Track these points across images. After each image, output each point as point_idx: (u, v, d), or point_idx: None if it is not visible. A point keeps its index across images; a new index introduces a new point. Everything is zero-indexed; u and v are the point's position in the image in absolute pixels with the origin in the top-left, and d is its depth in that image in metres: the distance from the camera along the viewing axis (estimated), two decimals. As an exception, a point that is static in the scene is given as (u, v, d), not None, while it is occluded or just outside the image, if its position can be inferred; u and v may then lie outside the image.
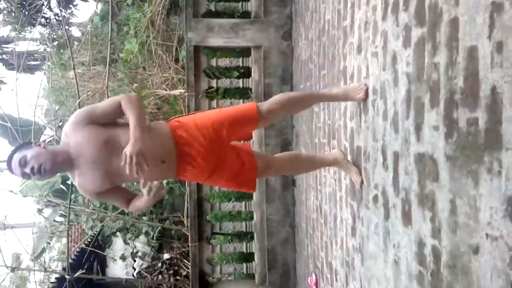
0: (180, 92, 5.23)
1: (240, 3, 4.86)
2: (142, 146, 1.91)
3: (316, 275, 3.74)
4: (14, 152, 2.03)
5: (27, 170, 1.98)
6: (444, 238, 1.48)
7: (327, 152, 3.15)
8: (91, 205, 6.35)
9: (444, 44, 1.47)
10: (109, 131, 2.04)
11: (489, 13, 1.22)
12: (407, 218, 1.79)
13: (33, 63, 11.44)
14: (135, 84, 5.66)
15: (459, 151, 1.38)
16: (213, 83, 4.78)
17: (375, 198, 2.18)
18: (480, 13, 1.26)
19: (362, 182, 2.40)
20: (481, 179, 1.26)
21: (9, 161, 2.04)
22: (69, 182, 5.15)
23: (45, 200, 5.68)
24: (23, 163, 1.98)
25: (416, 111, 1.70)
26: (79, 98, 4.71)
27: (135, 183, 4.57)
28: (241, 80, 4.84)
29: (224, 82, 4.81)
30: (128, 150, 1.89)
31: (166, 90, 5.66)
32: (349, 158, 2.65)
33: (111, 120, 2.09)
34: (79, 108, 4.79)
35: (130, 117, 1.98)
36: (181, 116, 2.37)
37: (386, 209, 2.03)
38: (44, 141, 2.14)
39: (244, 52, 4.87)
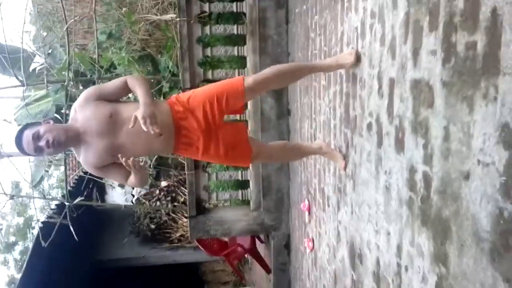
0: (172, 17, 5.03)
1: None
2: (152, 110, 2.06)
3: (309, 201, 3.84)
4: (23, 129, 2.16)
5: (42, 143, 2.10)
6: (435, 165, 1.48)
7: (311, 142, 3.38)
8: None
9: (448, -39, 1.37)
10: (114, 105, 2.21)
11: None
12: (400, 145, 1.79)
13: (16, -15, 10.89)
14: (124, 9, 5.42)
15: (455, 77, 1.34)
16: (206, 7, 4.57)
17: (369, 125, 2.16)
18: None
19: (345, 166, 2.56)
20: (476, 105, 1.24)
21: (19, 138, 2.14)
22: (62, 111, 5.10)
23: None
24: (36, 137, 2.10)
25: (414, 35, 1.63)
26: (66, 23, 4.52)
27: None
28: (234, 4, 4.62)
29: (217, 6, 4.59)
30: (140, 113, 2.02)
31: (156, 14, 5.44)
32: (344, 84, 2.60)
33: (116, 98, 2.27)
34: (67, 34, 4.63)
35: (139, 90, 2.15)
36: (179, 94, 2.47)
37: (380, 136, 2.02)
38: (51, 118, 2.29)
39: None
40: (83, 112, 2.19)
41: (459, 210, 1.34)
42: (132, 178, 2.30)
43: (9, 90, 6.15)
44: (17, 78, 4.59)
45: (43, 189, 6.27)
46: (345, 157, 2.62)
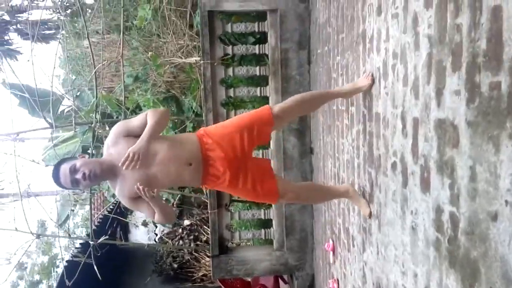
0: (196, 60, 5.19)
1: (255, -35, 4.72)
2: (142, 148, 2.19)
3: (333, 241, 3.78)
4: (60, 163, 2.28)
5: (79, 176, 2.20)
6: (462, 205, 1.46)
7: (338, 184, 3.44)
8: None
9: (467, 4, 1.41)
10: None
11: (516, -30, 1.15)
12: (425, 185, 1.77)
13: (47, 32, 11.43)
14: (150, 53, 5.63)
15: (480, 117, 1.34)
16: (229, 50, 4.71)
17: (394, 165, 2.15)
18: (507, -30, 1.19)
19: (370, 214, 2.55)
20: (502, 145, 1.23)
21: (56, 172, 2.25)
22: (89, 151, 5.23)
23: (66, 169, 5.78)
24: (73, 170, 2.20)
25: (437, 76, 1.65)
26: (94, 67, 4.72)
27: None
28: (257, 46, 4.75)
29: (240, 49, 4.73)
30: (131, 148, 2.18)
31: (181, 58, 5.62)
32: (367, 124, 2.61)
33: (142, 131, 2.31)
34: (95, 78, 4.81)
35: (148, 124, 2.27)
36: (207, 127, 2.59)
37: (405, 176, 2.00)
38: (86, 154, 2.46)
39: (260, 16, 4.76)
40: (115, 147, 2.29)
41: (487, 251, 1.31)
42: (157, 212, 2.35)
43: (38, 132, 6.37)
44: (46, 120, 4.76)
45: (68, 228, 6.35)
46: (370, 198, 2.59)
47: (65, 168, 2.22)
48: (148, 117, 2.31)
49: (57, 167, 2.25)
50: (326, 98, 2.80)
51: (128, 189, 2.31)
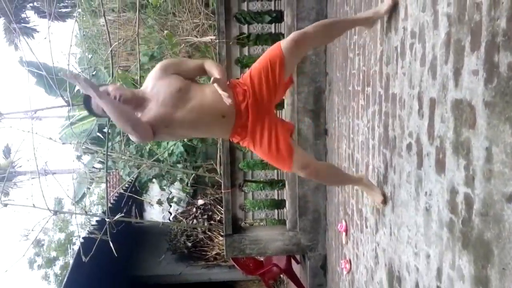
0: (211, 39, 5.17)
1: None
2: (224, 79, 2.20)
3: (346, 222, 3.79)
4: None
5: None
6: (477, 186, 1.45)
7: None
8: (128, 153, 6.54)
9: (489, -19, 1.37)
10: (187, 82, 2.28)
11: None
12: (440, 166, 1.76)
13: (64, 10, 11.48)
14: (166, 31, 5.62)
15: (498, 97, 1.32)
16: (244, 28, 4.68)
17: (409, 146, 2.14)
18: None
19: (384, 203, 2.51)
20: (521, 126, 1.21)
21: (87, 98, 2.23)
22: (105, 130, 5.29)
23: (83, 147, 5.89)
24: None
25: (455, 55, 1.62)
26: (110, 46, 4.73)
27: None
28: (273, 25, 4.70)
29: (256, 28, 4.69)
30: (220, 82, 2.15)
31: (196, 37, 5.60)
32: (383, 104, 2.59)
33: (191, 76, 2.33)
34: (111, 56, 4.83)
35: (215, 71, 2.25)
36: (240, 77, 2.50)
37: (420, 157, 1.99)
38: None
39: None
40: (155, 81, 2.27)
41: (501, 232, 1.30)
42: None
43: (54, 110, 6.44)
44: (63, 99, 4.81)
45: (84, 206, 6.48)
46: (384, 179, 2.58)
47: (97, 92, 2.16)
48: (210, 66, 2.29)
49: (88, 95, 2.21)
50: (346, 25, 2.61)
51: (147, 119, 2.24)
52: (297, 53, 2.39)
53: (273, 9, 4.70)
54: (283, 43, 2.33)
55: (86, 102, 2.26)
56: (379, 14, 2.45)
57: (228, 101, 2.17)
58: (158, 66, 2.30)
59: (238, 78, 2.54)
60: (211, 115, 2.27)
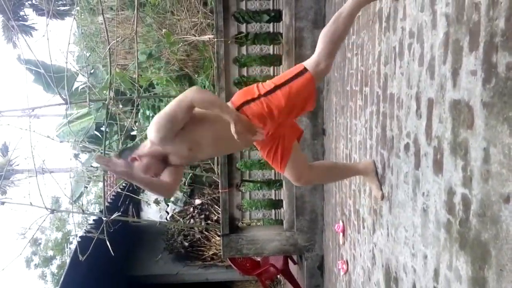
0: (209, 38, 5.15)
1: None
2: (242, 118, 2.16)
3: (343, 222, 3.78)
4: None
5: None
6: (475, 187, 1.45)
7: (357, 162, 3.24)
8: (125, 151, 6.51)
9: (488, -19, 1.37)
10: (189, 137, 2.16)
11: None
12: (438, 166, 1.75)
13: (62, 8, 11.44)
14: (164, 30, 5.60)
15: (496, 98, 1.31)
16: (243, 28, 4.67)
17: (407, 146, 2.13)
18: None
19: (382, 196, 2.53)
20: (518, 126, 1.20)
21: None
22: (102, 128, 5.27)
23: (80, 145, 5.87)
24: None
25: (454, 55, 1.61)
26: (109, 44, 4.71)
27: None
28: (271, 24, 4.70)
29: (254, 27, 4.68)
30: (235, 130, 2.10)
31: (195, 35, 5.59)
32: (381, 104, 2.58)
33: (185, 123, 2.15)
34: (109, 54, 4.81)
35: (215, 109, 2.11)
36: (249, 101, 2.30)
37: (417, 157, 1.99)
38: (134, 156, 2.17)
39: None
40: (163, 147, 2.16)
41: (498, 233, 1.29)
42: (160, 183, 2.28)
43: (52, 108, 6.42)
44: (61, 97, 4.79)
45: (81, 204, 6.46)
46: (382, 179, 2.58)
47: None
48: (203, 106, 2.10)
49: None
50: (361, 4, 2.41)
51: (175, 160, 2.25)
52: (320, 80, 2.52)
53: (271, 8, 4.69)
54: (313, 71, 2.26)
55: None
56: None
57: (261, 136, 2.24)
58: (154, 136, 2.10)
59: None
60: (225, 141, 2.24)
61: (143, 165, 2.14)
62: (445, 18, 1.68)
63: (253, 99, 2.28)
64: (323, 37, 2.29)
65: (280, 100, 2.26)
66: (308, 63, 2.30)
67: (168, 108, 2.10)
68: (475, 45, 1.44)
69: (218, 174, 5.08)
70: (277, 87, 2.29)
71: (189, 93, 2.07)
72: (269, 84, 2.34)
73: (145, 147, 2.18)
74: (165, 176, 2.30)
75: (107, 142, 5.85)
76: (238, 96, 2.34)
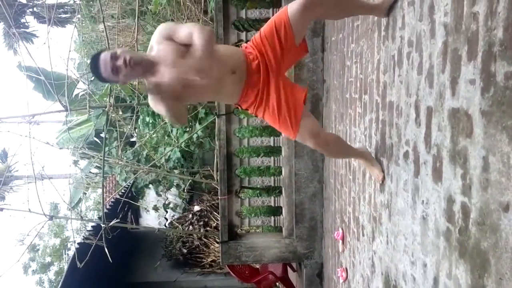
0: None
1: (271, -49, 4.67)
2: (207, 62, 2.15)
3: (342, 230, 3.78)
4: (99, 53, 2.17)
5: (120, 62, 2.09)
6: (474, 195, 1.45)
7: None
8: (125, 158, 6.53)
9: (486, -9, 1.38)
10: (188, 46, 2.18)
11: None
12: (437, 174, 1.76)
13: (63, 16, 11.50)
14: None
15: (495, 106, 1.32)
16: (242, 36, 4.69)
17: (406, 154, 2.14)
18: (528, -44, 1.16)
19: (383, 179, 2.49)
20: (517, 135, 1.21)
21: (95, 60, 2.14)
22: (102, 135, 5.28)
23: (80, 152, 5.87)
24: (113, 57, 2.09)
25: (452, 64, 1.63)
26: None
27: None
28: (271, 33, 4.73)
29: (254, 35, 4.71)
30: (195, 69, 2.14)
31: (195, 43, 5.60)
32: (380, 112, 2.59)
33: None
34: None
35: (199, 42, 2.13)
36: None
37: (417, 165, 1.99)
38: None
39: (275, 2, 4.72)
40: (159, 46, 2.20)
41: (498, 242, 1.30)
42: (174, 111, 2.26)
43: (52, 115, 6.43)
44: (61, 103, 4.81)
45: (80, 211, 6.45)
46: (381, 187, 2.58)
47: (105, 55, 2.12)
48: (196, 34, 2.13)
49: (96, 56, 2.15)
50: (360, 3, 2.46)
51: (162, 90, 2.22)
52: (303, 17, 2.30)
53: (271, 16, 4.71)
54: (290, 7, 2.26)
55: (93, 62, 2.17)
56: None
57: (202, 76, 2.16)
58: (157, 32, 2.22)
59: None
60: (222, 70, 2.23)
61: (126, 49, 2.22)
62: (444, 27, 1.69)
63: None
64: None
65: (261, 30, 2.34)
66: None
67: (185, 27, 2.20)
68: (474, 54, 1.45)
69: (217, 180, 5.09)
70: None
71: (202, 38, 2.12)
72: None
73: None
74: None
75: (106, 149, 5.86)
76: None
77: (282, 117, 2.35)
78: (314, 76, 4.59)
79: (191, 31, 2.16)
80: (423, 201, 1.92)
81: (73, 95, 7.38)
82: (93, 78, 7.50)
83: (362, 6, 2.53)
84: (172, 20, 6.14)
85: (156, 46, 2.22)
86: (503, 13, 1.28)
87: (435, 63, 1.79)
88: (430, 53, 1.84)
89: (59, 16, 10.95)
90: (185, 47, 2.19)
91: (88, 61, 7.45)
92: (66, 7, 11.26)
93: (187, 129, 6.74)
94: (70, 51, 4.89)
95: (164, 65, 2.19)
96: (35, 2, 11.19)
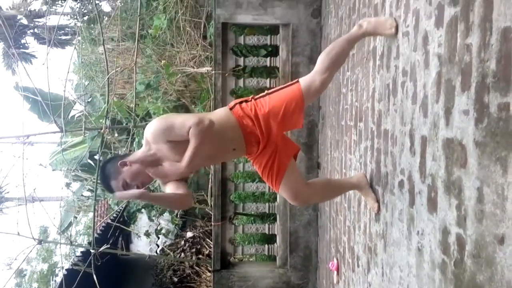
0: (207, 70, 5.21)
1: (270, -20, 4.76)
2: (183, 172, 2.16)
3: (337, 260, 3.72)
4: (107, 180, 2.20)
5: (133, 188, 2.15)
6: (469, 227, 1.42)
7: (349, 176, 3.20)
8: (118, 181, 6.45)
9: (477, 24, 1.39)
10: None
11: (529, -11, 1.13)
12: (432, 205, 1.73)
13: (64, 37, 11.61)
14: (163, 61, 5.67)
15: (489, 137, 1.31)
16: (240, 61, 4.73)
17: (401, 183, 2.12)
18: (519, -10, 1.17)
19: (378, 209, 2.50)
20: (510, 167, 1.20)
21: (109, 187, 2.21)
22: (96, 157, 5.25)
23: (73, 174, 5.82)
24: (126, 186, 2.16)
25: (446, 95, 1.62)
26: (108, 73, 4.75)
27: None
28: (268, 58, 4.77)
29: (252, 61, 4.75)
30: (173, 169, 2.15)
31: (193, 67, 5.65)
32: (375, 140, 2.58)
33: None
34: (108, 84, 4.83)
35: (190, 145, 2.13)
36: (242, 102, 2.40)
37: (412, 195, 1.97)
38: (125, 160, 2.19)
39: (273, 29, 4.79)
40: (155, 146, 2.18)
41: (493, 275, 1.27)
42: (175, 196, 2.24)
43: (47, 136, 6.40)
44: (56, 124, 4.78)
45: (70, 235, 6.33)
46: (376, 217, 2.55)
47: (117, 186, 2.17)
48: (191, 136, 2.12)
49: (107, 182, 2.20)
50: (351, 44, 2.45)
51: (168, 177, 2.23)
52: (317, 95, 2.49)
53: (269, 43, 4.77)
54: (304, 85, 2.31)
55: (107, 187, 2.23)
56: (379, 33, 2.38)
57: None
58: (151, 132, 2.17)
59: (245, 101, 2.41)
60: (223, 152, 2.38)
61: (132, 170, 2.15)
62: (438, 58, 1.70)
63: (246, 101, 2.39)
64: (321, 55, 2.38)
65: (266, 103, 2.36)
66: (303, 78, 2.38)
67: (179, 120, 2.17)
68: (467, 85, 1.45)
69: (211, 206, 5.03)
70: (268, 94, 2.41)
71: (196, 130, 2.11)
72: (263, 93, 2.45)
73: (137, 154, 2.21)
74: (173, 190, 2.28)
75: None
76: (234, 101, 2.44)
77: (265, 176, 2.52)
78: (310, 103, 4.60)
79: (187, 130, 2.13)
80: (418, 231, 1.88)
81: (69, 117, 7.36)
82: (90, 99, 7.53)
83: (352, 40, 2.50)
84: (172, 45, 6.20)
85: (154, 146, 2.19)
86: (496, 45, 1.28)
87: (429, 93, 1.79)
88: (424, 83, 1.84)
89: (60, 37, 11.05)
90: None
91: (86, 83, 7.48)
92: (67, 29, 11.39)
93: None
94: (68, 72, 4.90)
95: (168, 159, 2.20)
96: (36, 23, 11.30)
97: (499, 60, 1.26)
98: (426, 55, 1.82)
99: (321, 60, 2.34)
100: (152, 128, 2.18)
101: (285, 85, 2.43)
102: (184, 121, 2.15)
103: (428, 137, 1.78)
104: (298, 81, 2.36)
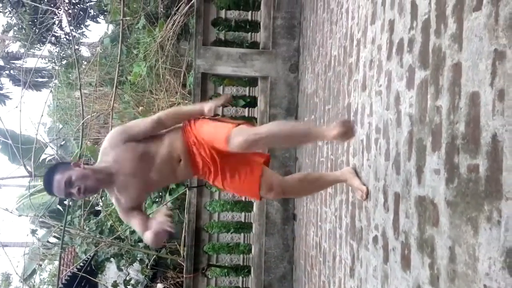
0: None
1: (249, 33, 4.92)
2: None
3: (311, 314, 3.63)
4: (54, 172, 2.10)
5: (74, 190, 2.06)
6: (442, 286, 1.43)
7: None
8: (87, 228, 6.27)
9: (447, 88, 1.46)
10: (143, 145, 2.18)
11: (492, 60, 1.21)
12: (406, 262, 1.74)
13: (40, 80, 11.55)
14: (141, 107, 5.68)
15: (459, 197, 1.35)
16: (219, 111, 4.78)
17: (375, 239, 2.12)
18: (483, 60, 1.25)
19: (367, 193, 2.31)
20: (480, 227, 1.22)
21: (49, 182, 2.10)
22: (65, 202, 5.10)
23: (39, 220, 5.61)
24: (68, 184, 2.05)
25: (418, 153, 1.67)
26: (83, 118, 4.72)
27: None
28: (247, 109, 4.84)
29: (230, 111, 4.81)
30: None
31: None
32: (350, 194, 2.60)
33: (147, 136, 2.21)
34: (82, 128, 4.80)
35: (183, 109, 2.30)
36: (196, 121, 2.32)
37: (386, 251, 1.97)
38: (81, 161, 2.18)
39: (251, 81, 4.89)
40: (112, 155, 2.14)
41: None
42: (147, 234, 2.13)
43: (15, 180, 6.22)
44: (26, 169, 4.67)
45: (33, 284, 6.02)
46: (351, 272, 2.53)
47: (59, 180, 2.06)
48: (170, 114, 2.24)
49: (50, 176, 2.09)
50: (306, 138, 2.37)
51: (128, 197, 2.18)
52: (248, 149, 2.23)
53: (247, 94, 4.86)
54: (232, 143, 2.12)
55: (47, 181, 2.13)
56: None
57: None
58: (109, 138, 2.17)
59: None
60: (171, 163, 2.23)
61: (83, 172, 2.06)
62: (409, 118, 1.76)
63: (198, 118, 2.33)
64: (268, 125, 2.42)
65: (202, 123, 2.30)
66: (239, 127, 2.19)
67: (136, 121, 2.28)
68: (438, 145, 1.50)
69: (183, 257, 4.90)
70: (210, 118, 2.35)
71: (159, 113, 2.23)
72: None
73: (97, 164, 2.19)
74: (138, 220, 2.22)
75: (68, 217, 5.63)
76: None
77: (240, 187, 2.40)
78: (287, 153, 4.65)
79: (152, 117, 2.22)
80: (391, 289, 1.87)
81: (40, 160, 7.20)
82: (63, 143, 7.41)
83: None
84: (151, 92, 6.24)
85: (110, 156, 2.15)
86: (465, 109, 1.34)
87: (401, 150, 1.84)
88: (396, 140, 1.90)
89: (36, 80, 10.99)
90: (144, 147, 2.17)
91: (60, 127, 7.39)
92: (43, 71, 11.36)
93: (157, 200, 6.59)
94: (42, 115, 4.86)
95: (125, 176, 2.15)
96: (13, 65, 11.25)
97: (468, 123, 1.32)
98: (398, 115, 1.89)
99: (263, 129, 2.20)
100: (109, 135, 2.20)
101: (227, 120, 2.36)
102: (146, 119, 2.24)
103: (401, 194, 1.81)
104: (236, 125, 2.20)
